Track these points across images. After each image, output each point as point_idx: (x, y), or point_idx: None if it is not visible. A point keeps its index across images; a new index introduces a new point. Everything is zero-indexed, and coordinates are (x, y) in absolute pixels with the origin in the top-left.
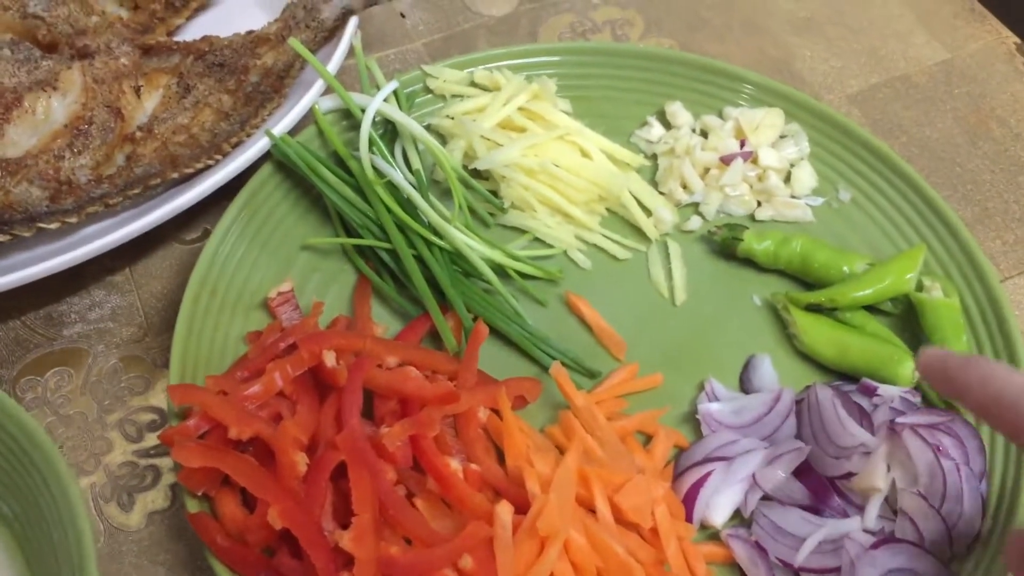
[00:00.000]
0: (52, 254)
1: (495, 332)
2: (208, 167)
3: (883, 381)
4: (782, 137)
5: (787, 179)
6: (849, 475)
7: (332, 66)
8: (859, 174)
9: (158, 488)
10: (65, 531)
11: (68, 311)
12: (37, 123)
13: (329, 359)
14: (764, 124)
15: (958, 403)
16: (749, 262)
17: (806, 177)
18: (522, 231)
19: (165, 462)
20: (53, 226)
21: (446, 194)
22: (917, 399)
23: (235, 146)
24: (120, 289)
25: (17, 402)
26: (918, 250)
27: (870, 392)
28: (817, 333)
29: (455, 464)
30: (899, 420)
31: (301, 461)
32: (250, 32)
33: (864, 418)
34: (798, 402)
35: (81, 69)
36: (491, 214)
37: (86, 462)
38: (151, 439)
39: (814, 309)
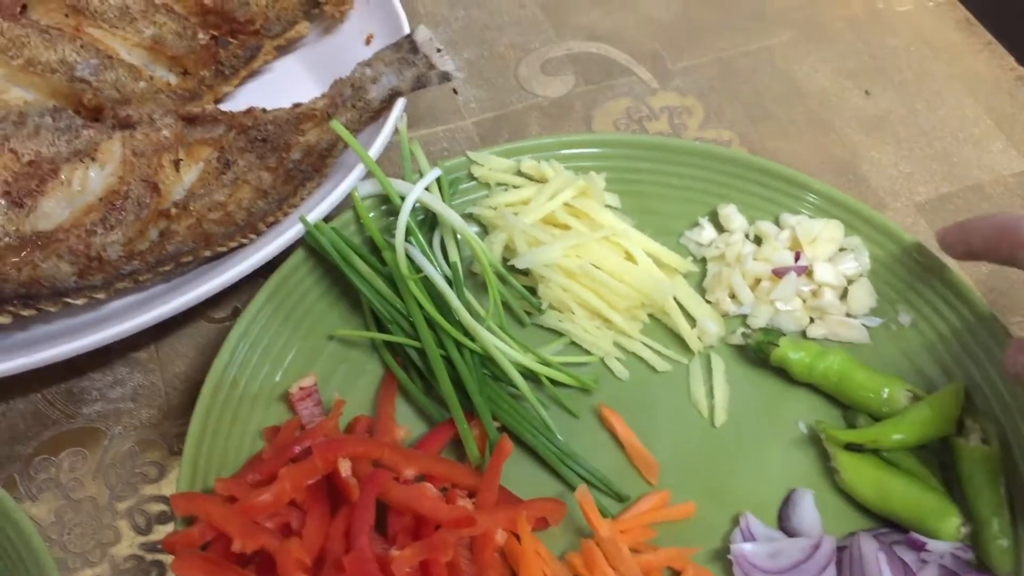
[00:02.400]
0: (77, 330)
1: (521, 443)
2: (242, 245)
3: (925, 532)
4: (841, 250)
5: (843, 296)
6: None
7: (375, 150)
8: (921, 296)
9: None
10: None
11: (90, 387)
12: (72, 195)
13: (344, 469)
14: (822, 237)
15: (971, 257)
16: (799, 383)
17: (864, 296)
18: (558, 333)
19: (170, 559)
20: (80, 302)
21: (482, 287)
22: (969, 555)
23: (270, 225)
24: (144, 367)
25: (29, 482)
26: (958, 388)
27: (918, 547)
28: (857, 472)
29: None
30: None
31: None
32: (296, 106)
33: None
34: (840, 549)
35: (121, 140)
36: (527, 313)
37: (91, 552)
38: (159, 532)
39: (855, 448)
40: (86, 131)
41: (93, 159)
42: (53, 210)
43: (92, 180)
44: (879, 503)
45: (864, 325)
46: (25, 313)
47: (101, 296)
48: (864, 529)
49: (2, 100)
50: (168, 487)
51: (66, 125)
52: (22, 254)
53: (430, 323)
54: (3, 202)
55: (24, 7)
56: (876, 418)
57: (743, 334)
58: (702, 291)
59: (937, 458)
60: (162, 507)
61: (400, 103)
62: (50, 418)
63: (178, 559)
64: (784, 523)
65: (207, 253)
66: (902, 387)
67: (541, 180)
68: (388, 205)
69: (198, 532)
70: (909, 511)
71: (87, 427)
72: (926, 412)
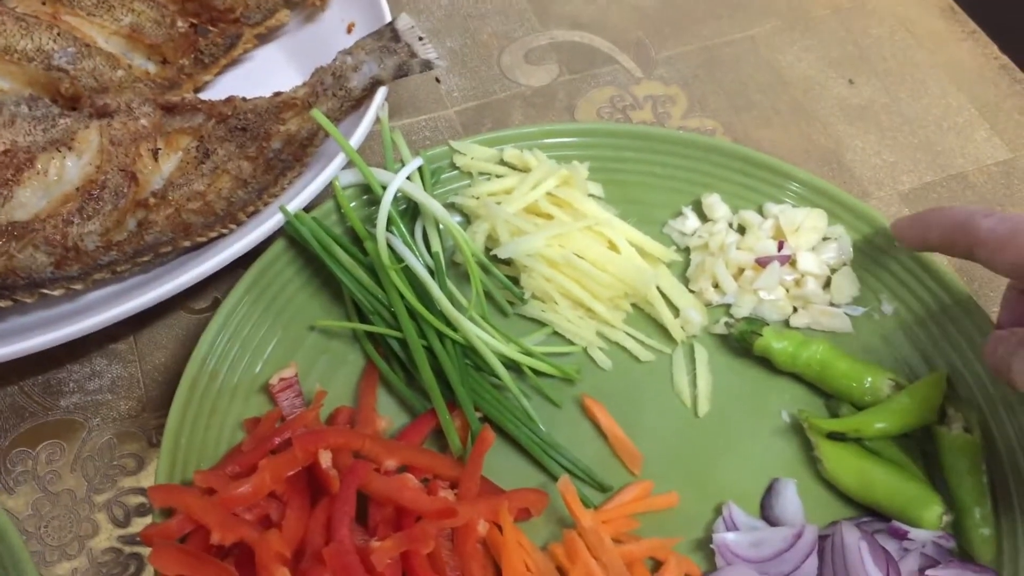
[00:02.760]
0: (55, 320)
1: (503, 433)
2: (221, 236)
3: (907, 520)
4: (824, 239)
5: (827, 285)
6: None
7: (356, 139)
8: (904, 285)
9: None
10: None
11: (67, 379)
12: (49, 185)
13: (324, 460)
14: (806, 226)
15: (928, 249)
16: (782, 372)
17: (847, 285)
18: (541, 323)
19: (149, 551)
20: (57, 293)
21: (464, 277)
22: (951, 544)
23: (251, 215)
24: (123, 358)
25: (6, 475)
26: (940, 377)
27: (900, 535)
28: (840, 461)
29: None
30: (930, 573)
31: None
32: (276, 94)
33: (891, 566)
34: (822, 538)
35: (99, 129)
36: (510, 303)
37: (69, 545)
38: (138, 524)
39: (837, 437)
40: (63, 120)
41: (70, 148)
42: (29, 200)
43: (69, 169)
44: (861, 492)
45: (847, 314)
46: (1, 304)
47: (78, 287)
48: (846, 518)
49: None
50: (147, 479)
51: (43, 114)
52: None
53: (412, 313)
54: None
55: None
56: (859, 407)
57: (726, 324)
58: (685, 281)
59: (919, 447)
60: (141, 499)
61: (381, 92)
62: (27, 410)
63: (155, 551)
64: (767, 512)
65: (186, 243)
66: (884, 376)
67: (524, 169)
68: (369, 195)
69: (176, 524)
70: (891, 500)
71: (65, 419)
72: (908, 401)
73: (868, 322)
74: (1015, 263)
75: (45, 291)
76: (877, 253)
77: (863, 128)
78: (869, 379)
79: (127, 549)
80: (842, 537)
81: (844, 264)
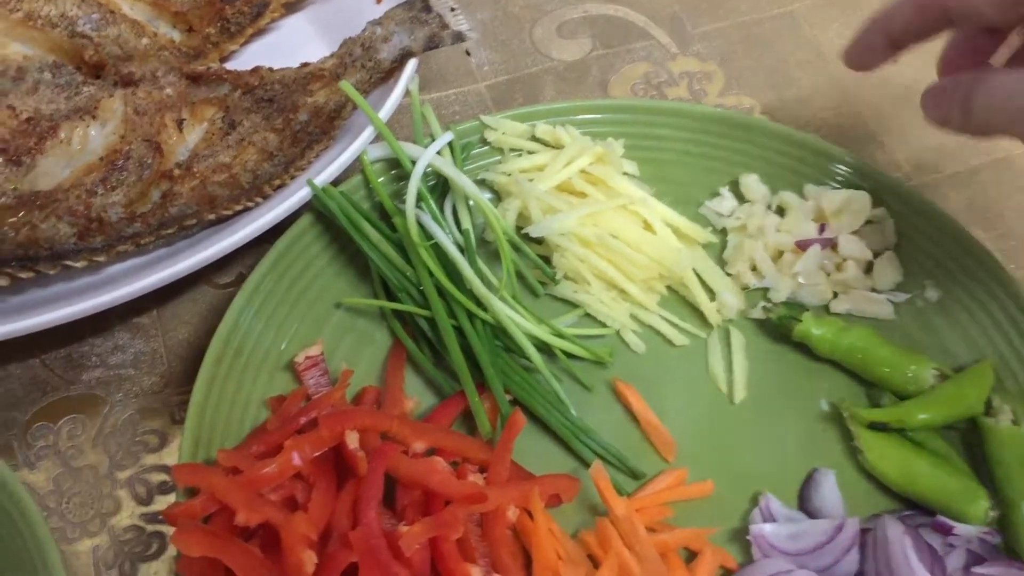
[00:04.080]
0: (76, 293)
1: (533, 417)
2: (247, 209)
3: (952, 515)
4: (867, 223)
5: (868, 270)
6: None
7: (385, 112)
8: (949, 271)
9: (162, 559)
10: None
11: (90, 353)
12: (72, 154)
13: (351, 441)
14: (848, 208)
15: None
16: (821, 359)
17: (890, 270)
18: (573, 305)
19: (171, 530)
20: (80, 264)
21: (495, 255)
22: (997, 540)
23: (277, 189)
24: (146, 333)
25: (27, 450)
26: (987, 367)
27: (945, 531)
28: (882, 452)
29: (476, 573)
30: (976, 570)
31: (309, 560)
32: (303, 65)
33: (936, 563)
34: (863, 531)
35: (123, 98)
36: (541, 283)
37: (91, 522)
38: (160, 502)
39: (879, 427)
40: (87, 88)
41: (94, 117)
42: (52, 169)
43: (93, 139)
44: (904, 484)
45: (889, 300)
46: (23, 275)
47: (101, 259)
48: (888, 511)
49: (1, 55)
50: (169, 456)
51: (66, 81)
52: (20, 214)
53: (441, 292)
54: (0, 160)
55: None
56: (901, 397)
57: (764, 308)
58: (722, 263)
59: (964, 439)
60: (163, 477)
61: (412, 64)
62: (49, 384)
63: (179, 531)
64: (805, 504)
65: (211, 216)
66: (928, 365)
67: (556, 146)
68: (398, 170)
69: (200, 504)
70: (935, 493)
71: (87, 394)
72: (953, 391)
73: (911, 309)
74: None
75: (67, 263)
76: (922, 238)
77: (907, 108)
78: (912, 368)
79: (149, 527)
80: (885, 531)
81: (887, 248)
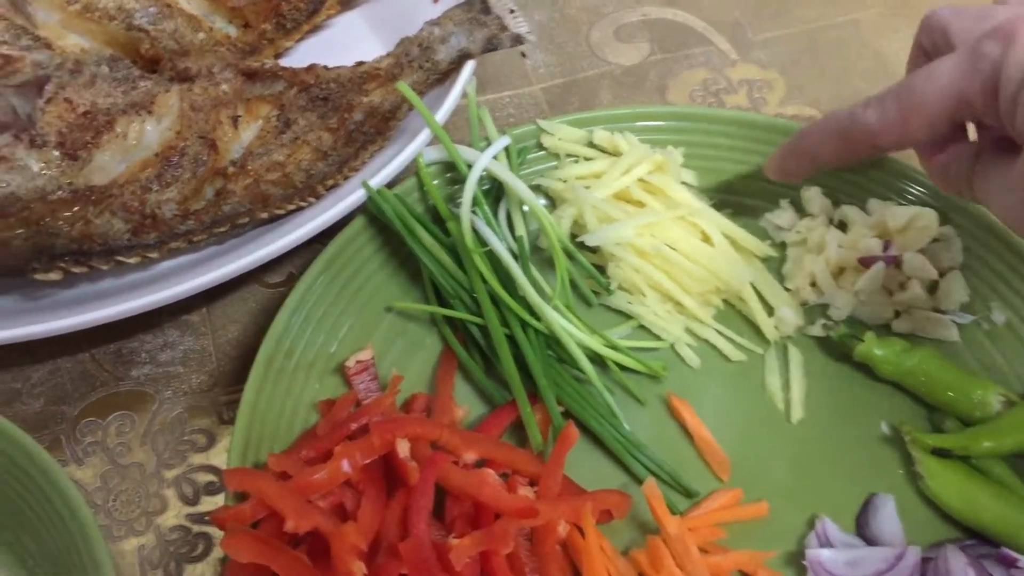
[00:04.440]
0: (126, 289)
1: (584, 430)
2: (300, 208)
3: (1017, 547)
4: (933, 241)
5: (932, 289)
6: None
7: (442, 115)
8: (1017, 293)
9: (207, 561)
10: None
11: (139, 349)
12: (128, 149)
13: (402, 449)
14: (914, 226)
15: (819, 170)
16: (882, 380)
17: (956, 290)
18: (627, 316)
19: (218, 531)
20: (132, 261)
21: (548, 263)
22: None
23: (330, 189)
24: (195, 331)
25: (75, 445)
26: None
27: (1010, 563)
28: (945, 479)
29: None
30: None
31: (359, 571)
32: (359, 64)
33: None
34: (924, 560)
35: (179, 94)
36: (595, 293)
37: (137, 520)
38: (207, 503)
39: (942, 453)
40: (143, 82)
41: (150, 112)
42: (108, 164)
43: (148, 134)
44: (966, 513)
45: (954, 321)
46: (76, 270)
47: (154, 255)
48: (949, 540)
49: (58, 47)
50: (217, 456)
51: (123, 75)
52: (75, 208)
53: (494, 299)
54: (56, 153)
55: None
56: (965, 422)
57: (824, 326)
58: (781, 278)
59: None
60: (210, 477)
61: (469, 66)
62: (98, 379)
63: (228, 536)
64: (862, 529)
65: (264, 215)
66: (995, 390)
67: (614, 153)
68: (452, 173)
69: (250, 509)
70: (999, 523)
71: (135, 390)
72: (1021, 418)
73: (977, 331)
74: (924, 132)
75: (120, 259)
76: (990, 257)
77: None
78: (978, 393)
79: (195, 528)
80: (947, 562)
81: (953, 268)
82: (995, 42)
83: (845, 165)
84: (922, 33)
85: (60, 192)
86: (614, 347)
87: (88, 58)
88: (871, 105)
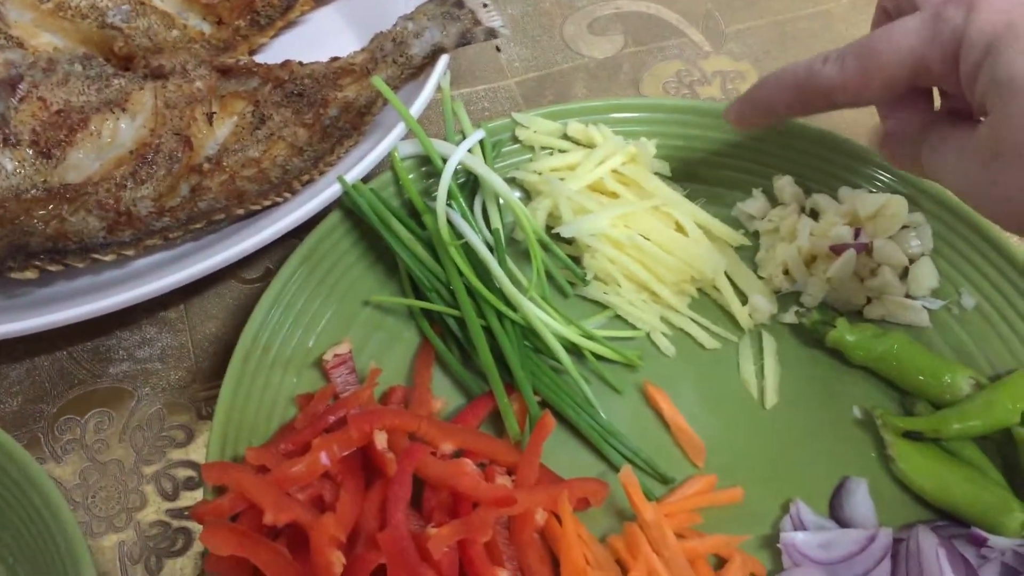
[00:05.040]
0: (104, 287)
1: (561, 419)
2: (276, 204)
3: (987, 527)
4: (903, 228)
5: (903, 275)
6: None
7: (416, 109)
8: (986, 278)
9: (188, 556)
10: None
11: (117, 346)
12: (102, 147)
13: (380, 441)
14: (884, 213)
15: (776, 120)
16: (854, 366)
17: (926, 276)
18: (602, 306)
19: (198, 526)
20: (108, 258)
21: (524, 255)
22: None
23: (306, 184)
24: (173, 327)
25: (54, 442)
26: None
27: (980, 542)
28: (916, 461)
29: None
30: None
31: (337, 561)
32: (334, 59)
33: (970, 574)
34: (896, 541)
35: (153, 91)
36: (571, 283)
37: (117, 516)
38: (186, 498)
39: (913, 436)
40: (117, 80)
41: (124, 110)
42: (82, 162)
43: (123, 132)
44: (937, 494)
45: (925, 307)
46: (52, 268)
47: (130, 253)
48: (921, 521)
49: (31, 45)
50: (196, 452)
51: (96, 73)
52: (49, 207)
53: (470, 291)
54: (31, 152)
55: None
56: (936, 405)
57: (797, 313)
58: (754, 266)
59: (999, 449)
60: (189, 472)
61: (444, 60)
62: (76, 377)
63: (208, 530)
64: (836, 512)
65: (240, 211)
66: (965, 374)
67: (588, 145)
68: (427, 167)
69: (228, 503)
70: (970, 504)
71: (114, 387)
72: (989, 401)
73: (947, 316)
74: (881, 93)
75: (96, 256)
76: (959, 243)
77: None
78: (948, 376)
79: (175, 523)
80: (919, 542)
81: (923, 254)
82: (957, 7)
83: (800, 116)
84: None
85: (34, 191)
86: (590, 337)
87: (61, 56)
88: (830, 60)
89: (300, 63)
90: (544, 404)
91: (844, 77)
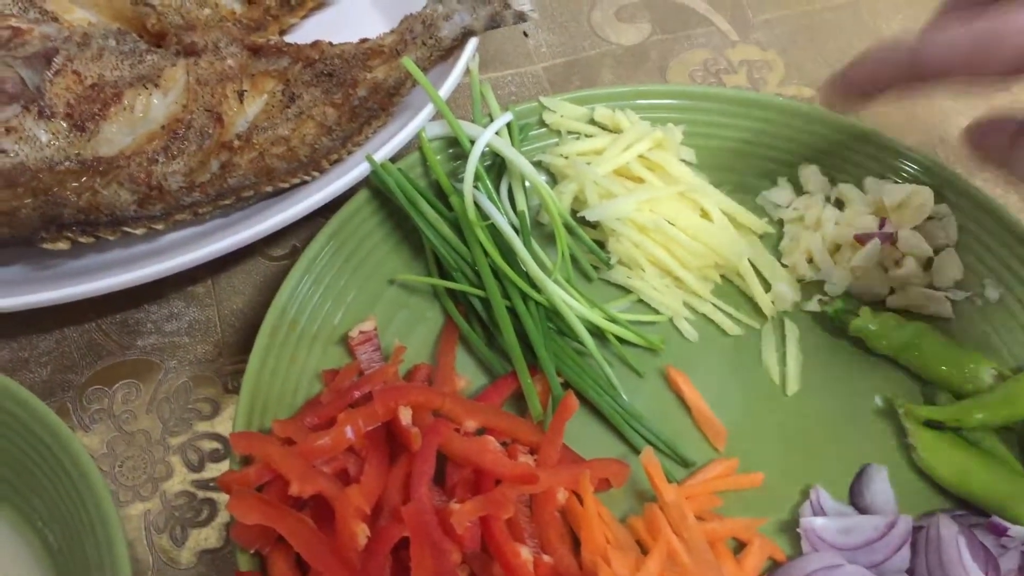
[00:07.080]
0: (133, 260)
1: (584, 400)
2: (304, 182)
3: (1007, 516)
4: (928, 219)
5: (927, 266)
6: None
7: (445, 91)
8: (1011, 270)
9: (212, 526)
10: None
11: (145, 319)
12: (135, 121)
13: (405, 416)
14: (910, 204)
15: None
16: (876, 355)
17: (950, 267)
18: (626, 290)
19: (223, 497)
20: (139, 231)
21: (549, 238)
22: None
23: (334, 163)
24: (200, 302)
25: (82, 412)
26: None
27: (1000, 532)
28: (936, 450)
29: (526, 553)
30: None
31: (362, 533)
32: (363, 41)
33: (990, 562)
34: (915, 529)
35: (185, 68)
36: (595, 267)
37: (143, 486)
38: (212, 470)
39: (934, 426)
40: (150, 56)
41: (156, 85)
42: (115, 136)
43: (155, 107)
44: (958, 484)
45: (948, 298)
46: (83, 240)
47: (160, 227)
48: (941, 510)
49: (66, 20)
50: (221, 425)
51: (130, 49)
52: (82, 179)
53: (495, 272)
54: (65, 125)
55: None
56: (957, 396)
57: (820, 301)
58: (778, 254)
59: (1020, 440)
60: (215, 445)
61: (472, 43)
62: (105, 348)
63: (234, 498)
64: (856, 499)
65: (268, 188)
66: (986, 365)
67: (615, 130)
68: (455, 149)
69: (255, 473)
70: (989, 494)
71: (141, 359)
72: (1011, 392)
73: (970, 307)
74: (1012, 62)
75: (127, 229)
76: (984, 235)
77: (970, 103)
78: (970, 367)
79: (200, 494)
80: (939, 530)
81: (948, 245)
82: None
83: (899, 98)
84: None
85: (68, 163)
86: (613, 320)
87: (96, 31)
88: (930, 37)
89: (330, 43)
90: (566, 385)
91: (955, 51)
